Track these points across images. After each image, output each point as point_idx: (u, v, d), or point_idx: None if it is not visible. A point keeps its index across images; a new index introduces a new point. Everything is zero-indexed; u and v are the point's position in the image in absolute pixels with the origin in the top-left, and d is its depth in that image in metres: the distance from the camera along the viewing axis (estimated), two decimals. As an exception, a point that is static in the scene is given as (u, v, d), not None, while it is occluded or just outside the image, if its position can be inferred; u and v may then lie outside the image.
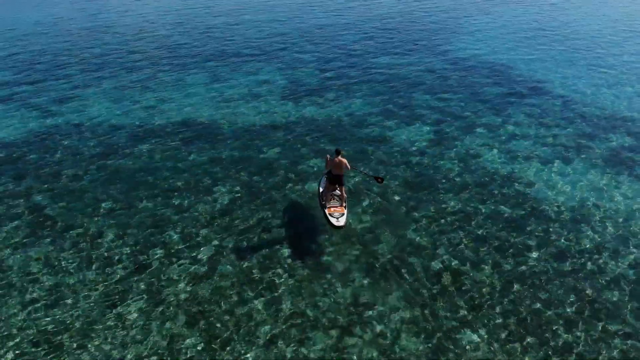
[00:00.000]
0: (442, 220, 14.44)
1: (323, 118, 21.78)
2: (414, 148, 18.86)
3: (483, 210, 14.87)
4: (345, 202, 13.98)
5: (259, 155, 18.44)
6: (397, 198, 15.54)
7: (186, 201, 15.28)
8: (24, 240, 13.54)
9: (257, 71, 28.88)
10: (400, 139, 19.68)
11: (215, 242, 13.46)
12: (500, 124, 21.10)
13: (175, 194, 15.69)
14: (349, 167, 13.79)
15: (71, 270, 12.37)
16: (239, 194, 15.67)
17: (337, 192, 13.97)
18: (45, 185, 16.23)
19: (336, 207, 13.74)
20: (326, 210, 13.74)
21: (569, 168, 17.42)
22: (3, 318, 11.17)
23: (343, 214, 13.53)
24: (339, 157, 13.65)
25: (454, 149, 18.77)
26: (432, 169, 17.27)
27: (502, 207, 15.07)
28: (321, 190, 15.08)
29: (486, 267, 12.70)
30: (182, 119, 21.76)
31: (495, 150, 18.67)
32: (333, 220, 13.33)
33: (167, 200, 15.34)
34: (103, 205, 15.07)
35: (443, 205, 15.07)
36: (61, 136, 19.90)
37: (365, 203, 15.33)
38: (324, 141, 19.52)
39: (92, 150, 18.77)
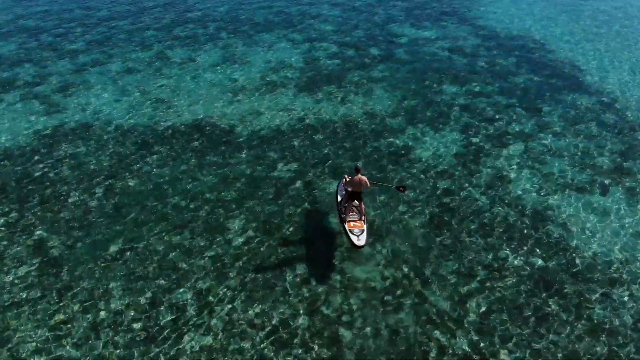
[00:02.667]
0: (464, 277, 13.27)
1: (341, 120, 20.11)
2: (439, 168, 17.32)
3: (515, 263, 13.62)
4: (364, 215, 13.64)
5: (273, 172, 17.11)
6: (419, 242, 14.30)
7: (196, 242, 14.25)
8: (30, 297, 12.77)
9: (271, 46, 26.77)
10: (424, 153, 18.09)
11: (227, 306, 12.55)
12: (532, 133, 19.28)
13: (186, 232, 14.62)
14: (368, 184, 13.51)
15: (77, 343, 11.66)
16: (253, 233, 14.54)
17: (356, 203, 13.74)
18: (49, 215, 15.24)
19: (356, 220, 13.52)
20: (346, 225, 13.41)
21: (609, 203, 15.87)
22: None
23: (363, 230, 13.26)
24: (359, 176, 13.43)
25: (483, 170, 17.19)
26: (458, 200, 15.84)
27: (534, 258, 13.80)
28: (339, 199, 14.72)
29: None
30: (192, 118, 20.27)
31: (526, 173, 17.07)
32: (354, 239, 13.02)
33: (178, 240, 14.31)
34: (111, 248, 14.09)
35: (467, 257, 13.83)
36: (66, 144, 18.63)
37: (382, 246, 14.15)
38: (341, 153, 18.06)
39: (99, 163, 17.56)
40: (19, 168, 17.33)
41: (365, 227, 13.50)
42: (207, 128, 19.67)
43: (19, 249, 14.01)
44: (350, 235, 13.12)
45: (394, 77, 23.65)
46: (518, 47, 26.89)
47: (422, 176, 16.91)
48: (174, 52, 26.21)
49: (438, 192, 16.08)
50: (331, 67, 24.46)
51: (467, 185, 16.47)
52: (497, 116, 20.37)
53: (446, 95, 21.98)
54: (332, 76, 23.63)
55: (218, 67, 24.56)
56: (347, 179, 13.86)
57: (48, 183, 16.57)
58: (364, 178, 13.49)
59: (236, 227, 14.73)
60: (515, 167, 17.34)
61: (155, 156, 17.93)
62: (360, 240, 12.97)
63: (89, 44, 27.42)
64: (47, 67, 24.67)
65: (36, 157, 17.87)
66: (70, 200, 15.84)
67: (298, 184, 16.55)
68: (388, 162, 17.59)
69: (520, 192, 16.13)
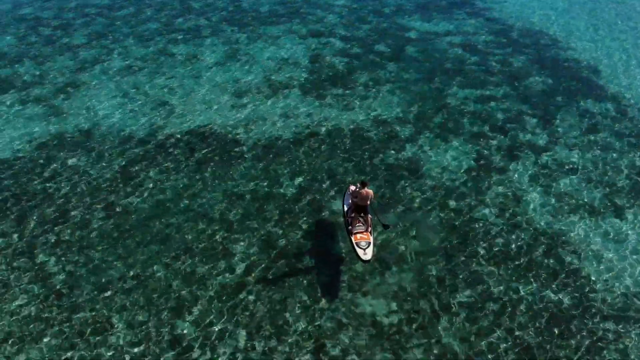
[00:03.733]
0: (475, 310, 12.87)
1: (348, 128, 19.45)
2: (449, 184, 16.73)
3: (528, 297, 13.18)
4: (371, 226, 13.48)
5: (278, 189, 16.60)
6: (429, 270, 13.85)
7: (199, 268, 13.86)
8: (30, 330, 12.48)
9: (276, 40, 25.86)
10: (434, 167, 17.48)
11: (230, 345, 12.24)
12: (544, 145, 18.58)
13: (188, 257, 14.20)
14: (374, 198, 13.53)
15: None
16: (257, 258, 14.13)
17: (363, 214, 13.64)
18: (50, 237, 14.85)
19: (362, 232, 13.37)
20: (353, 238, 13.31)
21: (625, 228, 15.31)
22: None
23: (369, 243, 13.12)
24: (365, 190, 13.38)
25: (493, 187, 16.60)
26: (467, 222, 15.31)
27: (547, 291, 13.35)
28: (345, 208, 14.52)
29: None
30: (195, 125, 19.64)
31: (538, 192, 16.46)
32: (360, 253, 12.95)
33: (180, 266, 13.93)
34: (112, 274, 13.72)
35: (478, 288, 13.39)
36: (66, 154, 18.10)
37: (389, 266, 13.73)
38: (348, 167, 17.49)
39: (100, 176, 17.06)
40: (19, 182, 16.87)
41: (371, 238, 13.34)
42: (210, 136, 19.08)
43: (19, 275, 13.67)
44: (357, 248, 13.01)
45: (402, 78, 22.84)
46: (532, 43, 25.88)
47: (430, 193, 16.35)
48: (175, 48, 25.39)
49: (447, 213, 15.56)
50: (337, 66, 23.63)
51: (477, 205, 15.92)
52: (508, 125, 19.65)
53: (456, 100, 21.21)
54: (338, 77, 22.84)
55: (221, 66, 23.79)
56: (353, 190, 13.88)
57: (48, 200, 16.13)
58: (370, 192, 13.47)
59: (240, 252, 14.32)
60: (526, 184, 16.74)
61: (157, 169, 17.41)
62: (366, 254, 12.87)
63: (89, 37, 26.60)
64: (46, 64, 23.99)
65: (36, 170, 17.41)
66: (71, 220, 15.42)
67: (303, 202, 16.05)
68: (396, 177, 17.02)
69: (532, 214, 15.58)
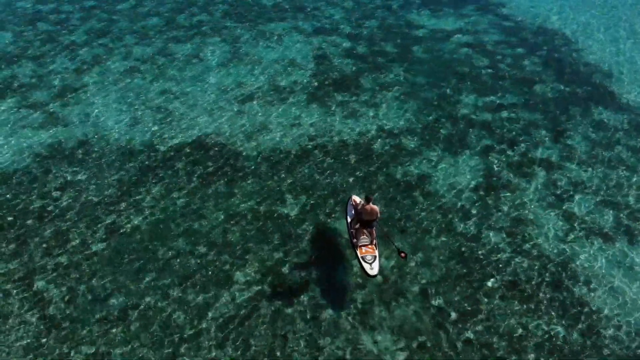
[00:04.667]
0: (482, 348, 12.55)
1: (353, 139, 18.89)
2: (456, 204, 16.25)
3: (537, 332, 12.83)
4: (375, 239, 13.46)
5: (281, 208, 16.17)
6: (435, 302, 13.49)
7: (201, 299, 13.55)
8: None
9: (280, 39, 25.06)
10: (441, 185, 16.98)
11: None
12: (555, 160, 17.98)
13: (190, 285, 13.88)
14: (379, 214, 13.38)
15: None
16: (259, 287, 13.80)
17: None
18: (49, 261, 14.54)
19: (367, 245, 13.37)
20: (358, 251, 13.29)
21: (638, 259, 14.85)
22: None
23: (375, 257, 13.12)
24: (371, 205, 13.16)
25: (502, 208, 16.12)
26: (475, 248, 14.89)
27: (555, 326, 12.99)
28: (349, 219, 14.40)
29: None
30: (197, 135, 19.10)
31: (548, 214, 15.94)
32: (366, 267, 12.95)
33: (181, 295, 13.62)
34: (112, 303, 13.44)
35: (486, 323, 13.04)
36: (65, 168, 17.63)
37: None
38: (353, 183, 17.03)
39: (100, 193, 16.62)
40: (17, 199, 16.47)
41: (377, 252, 13.30)
42: (213, 148, 18.57)
43: (18, 304, 13.39)
44: (363, 263, 12.99)
45: (409, 82, 22.13)
46: (545, 43, 24.98)
47: (438, 216, 15.90)
48: (176, 46, 24.64)
49: (455, 237, 15.13)
50: (343, 69, 22.90)
51: (485, 228, 15.47)
52: (518, 137, 19.03)
53: (465, 108, 20.55)
54: (343, 81, 22.15)
55: (224, 67, 23.10)
56: (357, 203, 13.85)
57: (47, 220, 15.75)
58: (376, 208, 13.25)
59: (241, 279, 14.00)
60: (536, 205, 16.24)
61: (158, 185, 16.98)
62: (373, 269, 12.90)
63: (88, 33, 25.86)
64: (43, 65, 23.32)
65: (35, 185, 16.98)
66: (70, 242, 15.08)
67: (307, 223, 15.64)
68: (402, 195, 16.56)
69: (542, 240, 15.14)
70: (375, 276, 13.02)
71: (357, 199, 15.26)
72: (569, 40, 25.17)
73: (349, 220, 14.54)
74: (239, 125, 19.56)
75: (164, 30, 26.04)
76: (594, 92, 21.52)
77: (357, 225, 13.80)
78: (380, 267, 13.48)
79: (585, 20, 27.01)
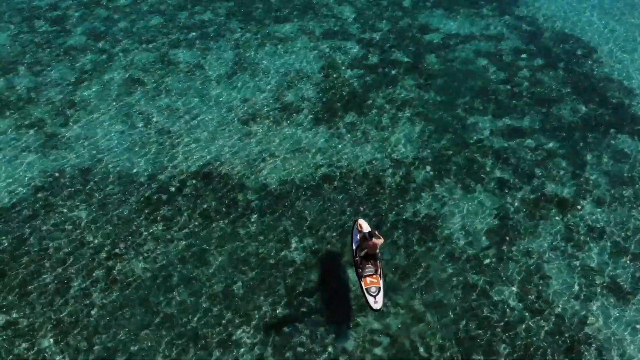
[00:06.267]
0: None
1: (362, 168, 18.10)
2: (468, 250, 15.63)
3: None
4: (380, 268, 13.56)
5: (286, 252, 15.65)
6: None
7: (204, 360, 13.23)
8: None
9: (287, 44, 23.78)
10: (452, 227, 16.30)
11: None
12: (571, 199, 17.15)
13: (192, 344, 13.53)
14: (383, 242, 13.57)
15: None
16: (262, 350, 13.43)
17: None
18: (50, 315, 14.19)
19: (372, 275, 13.39)
20: (362, 282, 13.30)
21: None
22: None
23: (379, 288, 13.15)
24: (374, 240, 13.22)
25: (516, 256, 15.49)
26: (487, 304, 14.36)
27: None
28: (354, 246, 14.28)
29: None
30: (200, 163, 18.35)
31: (562, 265, 15.30)
32: (371, 301, 12.98)
33: (182, 356, 13.30)
34: (116, 363, 13.17)
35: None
36: (64, 202, 17.00)
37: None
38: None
39: (100, 232, 16.13)
40: (15, 237, 16.00)
41: (381, 282, 13.31)
42: (216, 179, 17.87)
43: (18, 365, 13.16)
44: (367, 295, 13.03)
45: (421, 99, 21.03)
46: (565, 52, 23.53)
47: (449, 264, 15.30)
48: (179, 52, 23.47)
49: (464, 291, 14.60)
50: (352, 83, 21.76)
51: (497, 280, 14.89)
52: (534, 170, 18.13)
53: (479, 133, 19.55)
54: (352, 97, 21.08)
55: (228, 79, 22.02)
56: (362, 237, 13.81)
57: (47, 264, 15.32)
58: (379, 242, 13.31)
59: (243, 340, 13.65)
60: (551, 255, 15.58)
61: (160, 225, 16.41)
62: (377, 303, 12.93)
63: (87, 35, 24.63)
64: (42, 74, 22.32)
65: (34, 222, 16.46)
66: (71, 291, 14.71)
67: (313, 272, 15.14)
68: (411, 239, 15.95)
69: (555, 298, 14.56)
70: (379, 310, 12.95)
71: (363, 223, 14.94)
72: (591, 49, 23.70)
73: (354, 246, 14.33)
74: (243, 153, 18.75)
75: (165, 31, 24.76)
76: (616, 114, 20.34)
77: (363, 253, 13.61)
78: (385, 302, 13.36)
79: (611, 26, 25.30)
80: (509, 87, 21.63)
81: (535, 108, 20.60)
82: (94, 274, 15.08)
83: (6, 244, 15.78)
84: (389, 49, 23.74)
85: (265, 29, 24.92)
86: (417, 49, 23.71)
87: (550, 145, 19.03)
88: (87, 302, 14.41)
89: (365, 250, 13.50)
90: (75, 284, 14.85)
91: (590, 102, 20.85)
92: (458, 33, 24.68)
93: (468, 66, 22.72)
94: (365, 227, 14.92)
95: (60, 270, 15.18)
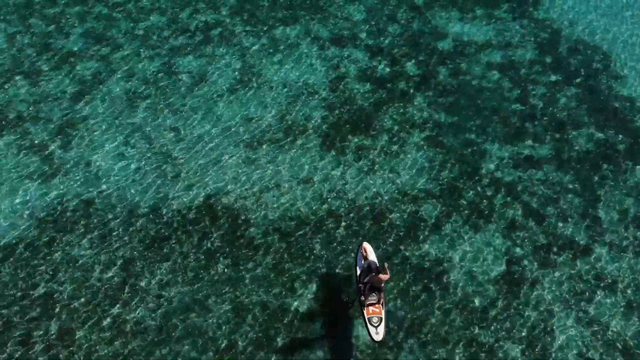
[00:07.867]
0: None
1: (370, 204, 17.57)
2: (475, 302, 15.35)
3: None
4: (383, 298, 13.68)
5: (291, 301, 15.41)
6: None
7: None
8: None
9: (292, 51, 22.60)
10: (459, 275, 15.94)
11: None
12: (583, 247, 16.65)
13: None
14: (388, 278, 13.52)
15: None
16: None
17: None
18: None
19: (374, 304, 13.53)
20: (365, 311, 13.43)
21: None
22: None
23: (381, 319, 13.30)
24: (380, 276, 13.27)
25: (524, 312, 15.19)
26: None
27: None
28: (358, 271, 14.40)
29: None
30: (203, 195, 17.80)
31: (571, 322, 15.03)
32: (372, 332, 13.16)
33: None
34: None
35: None
36: (68, 235, 16.59)
37: None
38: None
39: (105, 275, 15.88)
40: (21, 282, 15.75)
41: (383, 313, 13.45)
42: (220, 212, 17.40)
43: None
44: (369, 326, 13.18)
45: (432, 121, 20.16)
46: (583, 65, 22.29)
47: (455, 316, 15.04)
48: (182, 61, 22.36)
49: (471, 349, 14.38)
50: (360, 101, 20.80)
51: (504, 337, 14.68)
52: (546, 207, 17.53)
53: (490, 162, 18.82)
54: (360, 117, 20.21)
55: (231, 95, 21.08)
56: (366, 270, 13.71)
57: (51, 312, 15.15)
58: (384, 277, 13.27)
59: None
60: (560, 309, 15.25)
61: (164, 266, 16.12)
62: (378, 334, 13.07)
63: (86, 38, 23.46)
64: (41, 86, 21.43)
65: (35, 263, 16.14)
66: (76, 343, 14.60)
67: (317, 323, 14.92)
68: (417, 286, 15.66)
69: (562, 357, 14.32)
70: (381, 342, 13.09)
71: (367, 247, 14.86)
72: (609, 62, 22.43)
73: (358, 271, 14.34)
74: (247, 184, 18.17)
75: (167, 35, 23.53)
76: (632, 141, 19.43)
77: (366, 280, 13.60)
78: (387, 331, 13.47)
79: (632, 39, 23.82)
80: (522, 107, 20.68)
81: (548, 133, 19.75)
82: (100, 324, 14.95)
83: (11, 292, 15.51)
84: (399, 59, 22.57)
85: (269, 33, 23.67)
86: (429, 59, 22.54)
87: (562, 177, 18.36)
88: (91, 350, 14.29)
89: (370, 282, 13.47)
90: (80, 334, 14.73)
91: (605, 127, 19.93)
92: (472, 40, 23.37)
93: (481, 82, 21.64)
94: (370, 251, 14.79)
95: (64, 317, 15.04)
